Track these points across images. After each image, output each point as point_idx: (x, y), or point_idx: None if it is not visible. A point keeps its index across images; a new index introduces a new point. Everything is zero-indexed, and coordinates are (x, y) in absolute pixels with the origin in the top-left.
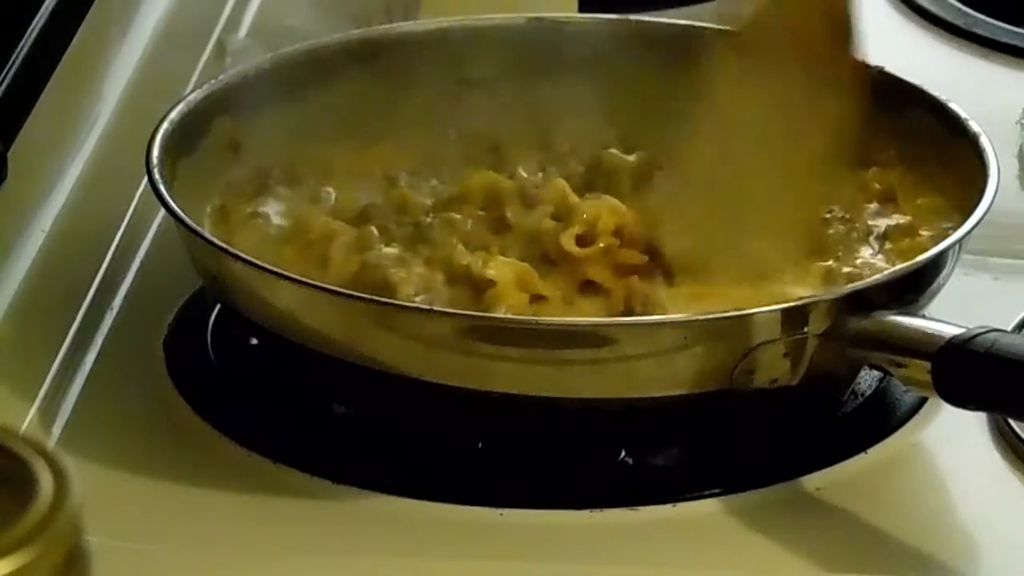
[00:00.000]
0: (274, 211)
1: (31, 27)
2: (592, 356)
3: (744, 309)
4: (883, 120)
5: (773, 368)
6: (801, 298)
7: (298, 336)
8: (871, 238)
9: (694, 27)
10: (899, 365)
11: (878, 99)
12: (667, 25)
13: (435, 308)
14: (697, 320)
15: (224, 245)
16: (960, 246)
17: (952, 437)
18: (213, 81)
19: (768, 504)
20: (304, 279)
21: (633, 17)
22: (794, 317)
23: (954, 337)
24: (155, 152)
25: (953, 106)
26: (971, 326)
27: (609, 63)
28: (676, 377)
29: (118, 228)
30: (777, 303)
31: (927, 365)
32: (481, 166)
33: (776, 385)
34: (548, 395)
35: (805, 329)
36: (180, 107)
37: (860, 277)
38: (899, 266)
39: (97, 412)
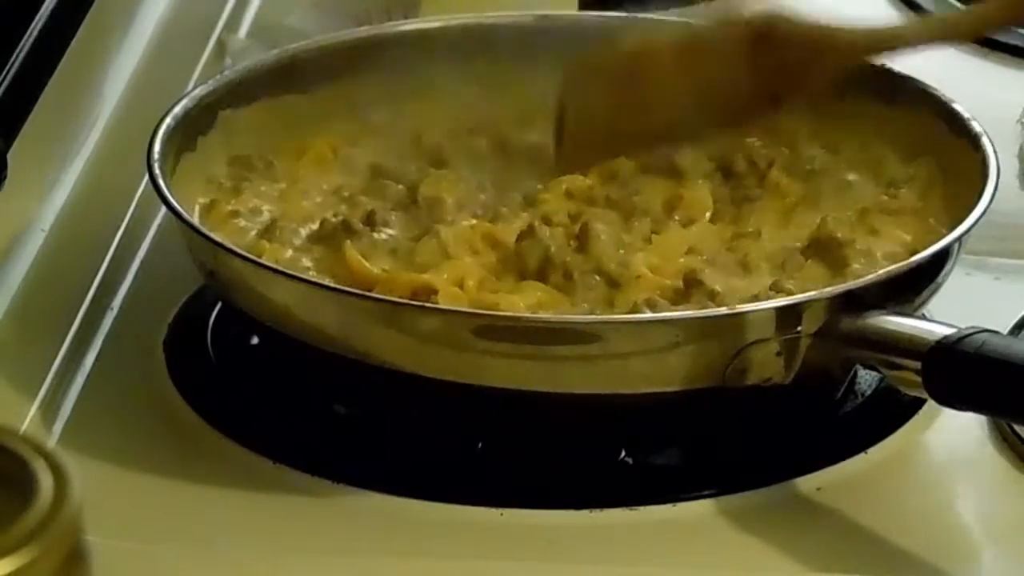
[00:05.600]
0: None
1: (31, 27)
2: (584, 352)
3: (737, 308)
4: (885, 118)
5: (766, 367)
6: (794, 297)
7: (295, 331)
8: (870, 237)
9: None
10: (890, 365)
11: (880, 97)
12: (674, 23)
13: (428, 304)
14: (690, 318)
15: (221, 240)
16: (960, 245)
17: (952, 437)
18: (217, 77)
19: (768, 504)
20: (299, 275)
21: (640, 15)
22: (787, 316)
23: (944, 337)
24: (157, 147)
25: (956, 106)
26: (970, 326)
27: None
28: (668, 374)
29: (118, 228)
30: (770, 302)
31: (917, 365)
32: (485, 165)
33: (769, 384)
34: (542, 390)
35: (798, 328)
36: (184, 103)
37: (859, 275)
38: (894, 265)
39: (97, 412)
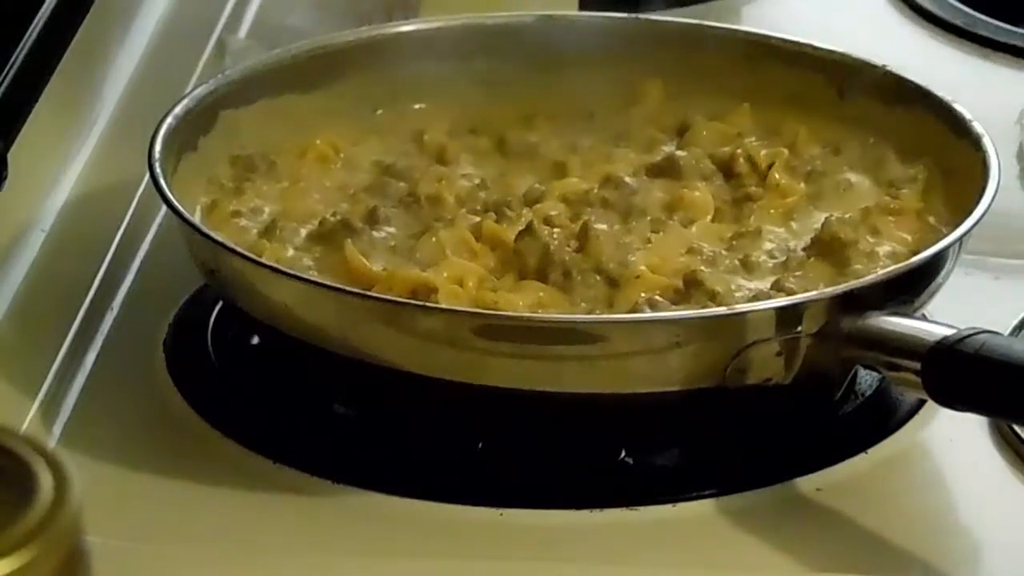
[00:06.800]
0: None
1: (31, 27)
2: (584, 352)
3: (737, 308)
4: (885, 119)
5: (766, 367)
6: (795, 297)
7: (296, 331)
8: (872, 237)
9: (702, 26)
10: (890, 366)
11: (881, 98)
12: (676, 24)
13: (428, 304)
14: (690, 318)
15: (222, 240)
16: (959, 246)
17: (952, 437)
18: (218, 77)
19: (768, 504)
20: (300, 274)
21: (642, 16)
22: (788, 316)
23: (944, 338)
24: (157, 147)
25: (957, 107)
26: (971, 326)
27: (618, 60)
28: (669, 374)
29: (118, 228)
30: (770, 302)
31: (917, 366)
32: (486, 164)
33: (770, 384)
34: (542, 390)
35: (799, 328)
36: (184, 102)
37: (860, 275)
38: (894, 266)
39: (97, 412)
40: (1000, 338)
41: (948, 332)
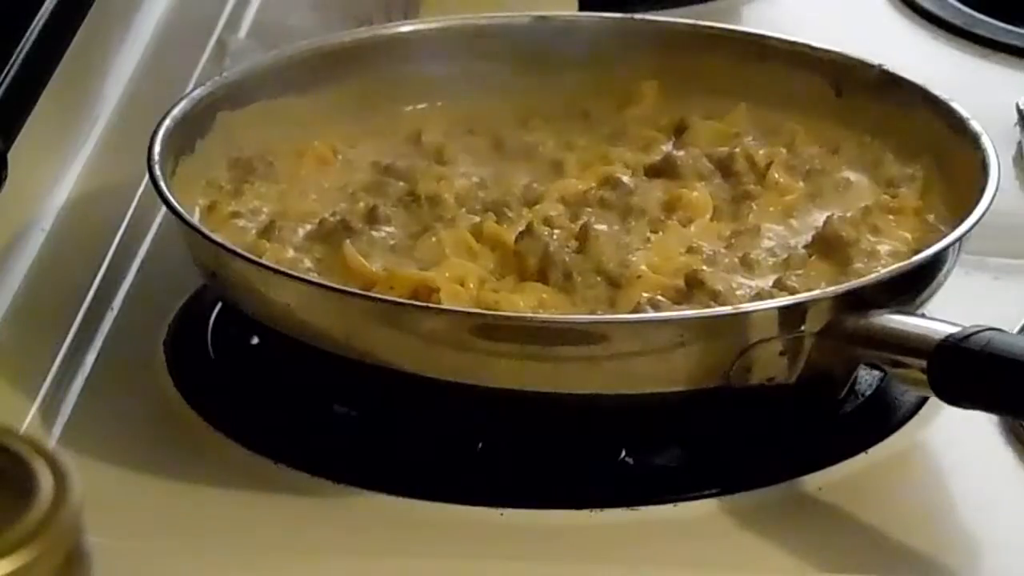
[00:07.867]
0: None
1: (31, 27)
2: (588, 353)
3: (741, 307)
4: (884, 119)
5: (770, 366)
6: (798, 296)
7: (296, 332)
8: (872, 235)
9: (700, 26)
10: (895, 364)
11: (879, 97)
12: (673, 24)
13: (430, 304)
14: (693, 318)
15: (223, 242)
16: (959, 245)
17: (953, 436)
18: (216, 78)
19: (769, 504)
20: (301, 275)
21: (638, 16)
22: (791, 315)
23: (949, 335)
24: (156, 149)
25: (955, 106)
26: (974, 324)
27: (615, 60)
28: (672, 374)
29: (118, 228)
30: (774, 301)
31: (923, 363)
32: (484, 164)
33: (773, 383)
34: (545, 391)
35: (802, 327)
36: (182, 104)
37: (860, 274)
38: (896, 265)
39: (97, 412)
40: (1006, 335)
41: (953, 330)
